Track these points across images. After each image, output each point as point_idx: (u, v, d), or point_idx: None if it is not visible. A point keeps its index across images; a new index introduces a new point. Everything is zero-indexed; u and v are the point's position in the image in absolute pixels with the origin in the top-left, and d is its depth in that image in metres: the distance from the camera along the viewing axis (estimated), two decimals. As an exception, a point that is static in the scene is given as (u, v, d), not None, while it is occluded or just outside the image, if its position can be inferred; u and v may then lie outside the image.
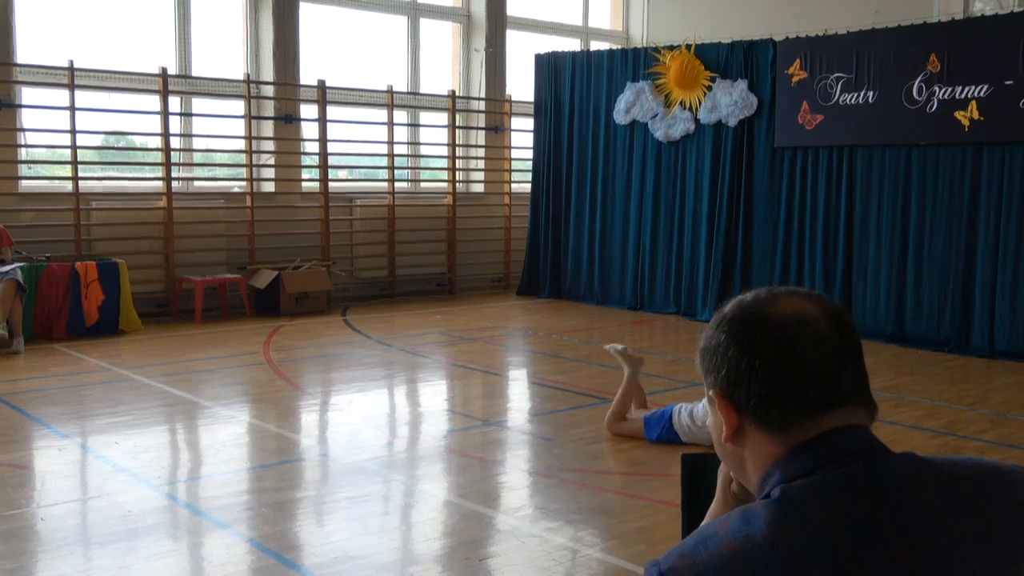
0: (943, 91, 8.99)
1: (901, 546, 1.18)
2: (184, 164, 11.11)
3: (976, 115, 8.80)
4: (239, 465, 5.48)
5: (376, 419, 6.65)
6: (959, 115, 8.89)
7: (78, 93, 9.74)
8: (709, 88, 10.75)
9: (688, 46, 10.92)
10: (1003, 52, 8.59)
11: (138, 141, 11.27)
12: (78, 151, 9.83)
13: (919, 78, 9.13)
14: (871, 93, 9.47)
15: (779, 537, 1.17)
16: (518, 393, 7.82)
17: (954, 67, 8.91)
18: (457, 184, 12.73)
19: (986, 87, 8.72)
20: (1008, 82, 8.57)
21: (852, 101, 9.61)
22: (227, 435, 6.06)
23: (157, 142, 10.43)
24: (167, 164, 10.26)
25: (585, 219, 12.08)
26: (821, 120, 9.84)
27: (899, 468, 1.24)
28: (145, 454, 5.54)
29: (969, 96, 8.83)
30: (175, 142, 10.63)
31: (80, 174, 9.88)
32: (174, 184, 10.49)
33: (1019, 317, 8.67)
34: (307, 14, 11.50)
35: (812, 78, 9.89)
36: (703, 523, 1.29)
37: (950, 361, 8.64)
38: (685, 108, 10.98)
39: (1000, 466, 1.32)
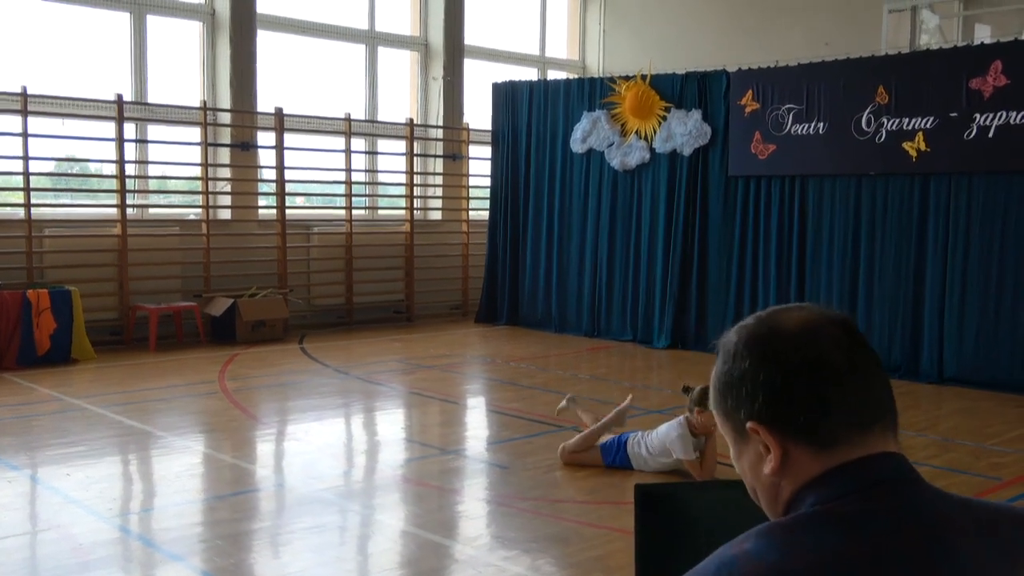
0: (891, 122, 9.20)
1: None
2: (139, 191, 11.03)
3: (923, 146, 9.01)
4: (193, 496, 5.43)
5: (333, 448, 6.62)
6: (907, 146, 9.10)
7: (31, 119, 9.64)
8: (664, 118, 10.90)
9: (643, 76, 11.07)
10: (948, 85, 8.81)
11: (92, 168, 11.17)
12: (31, 178, 9.71)
13: (868, 109, 9.34)
14: (821, 124, 9.66)
15: (813, 569, 1.14)
16: (475, 421, 7.83)
17: (901, 99, 9.12)
18: (415, 212, 12.76)
19: (932, 119, 8.94)
20: (953, 114, 8.79)
21: (803, 132, 9.80)
22: (181, 465, 5.99)
23: (112, 169, 10.35)
24: (122, 191, 10.17)
25: (542, 246, 12.16)
26: (773, 150, 10.02)
27: (937, 506, 1.24)
28: (97, 485, 5.47)
29: (916, 127, 9.05)
30: (130, 169, 10.54)
31: (33, 201, 9.77)
32: (129, 211, 10.40)
33: (966, 343, 8.86)
34: (265, 42, 11.51)
35: (764, 109, 10.07)
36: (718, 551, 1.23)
37: (900, 387, 8.75)
38: (640, 137, 11.12)
39: None
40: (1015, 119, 8.46)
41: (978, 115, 8.65)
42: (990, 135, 8.59)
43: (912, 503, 1.22)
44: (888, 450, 1.26)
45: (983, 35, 10.94)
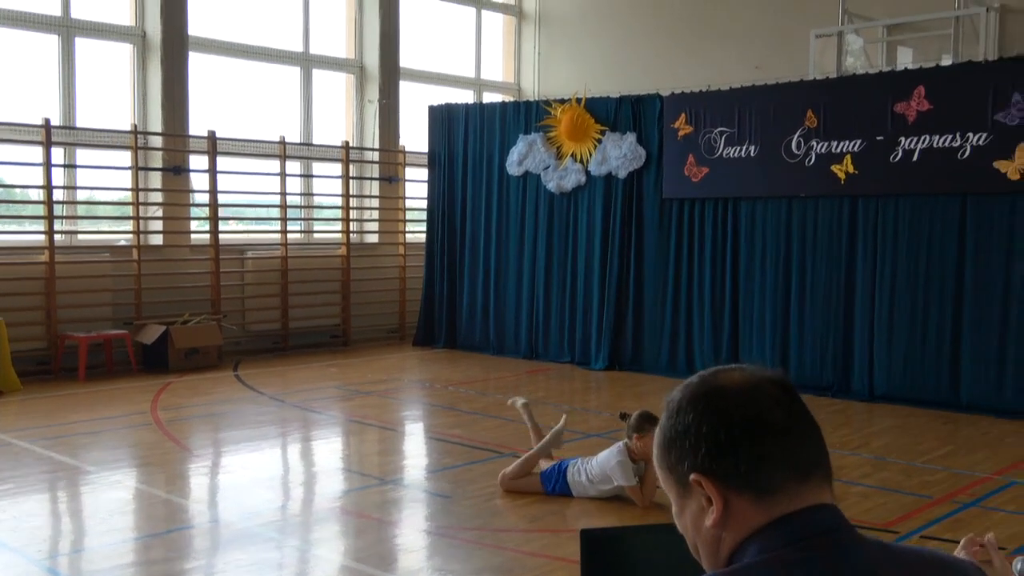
0: (820, 145, 9.41)
1: None
2: (68, 217, 10.78)
3: (851, 169, 9.22)
4: (125, 535, 5.29)
5: (269, 480, 6.52)
6: (835, 168, 9.31)
7: (-47, 144, 9.39)
8: (599, 141, 11.00)
9: (578, 100, 11.16)
10: (874, 109, 9.05)
11: (18, 193, 10.90)
12: (-47, 204, 9.44)
13: (797, 133, 9.54)
14: (753, 147, 9.84)
15: None
16: (415, 449, 7.78)
17: (829, 123, 9.34)
18: (351, 235, 12.67)
19: (860, 142, 9.16)
20: (879, 138, 9.02)
21: (735, 155, 9.96)
22: (113, 502, 5.85)
23: (39, 194, 10.10)
24: (49, 217, 9.93)
25: (479, 269, 12.16)
26: (706, 172, 10.17)
27: (871, 556, 1.30)
28: (25, 525, 5.31)
29: (844, 151, 9.26)
30: (58, 194, 10.30)
31: (-45, 228, 9.50)
32: (57, 237, 10.15)
33: (895, 361, 9.06)
34: (197, 64, 11.35)
35: (697, 132, 10.22)
36: None
37: (833, 406, 8.94)
38: (576, 160, 11.20)
39: (954, 561, 1.42)
40: (937, 143, 8.71)
41: (903, 139, 8.89)
42: (914, 158, 8.83)
43: (851, 553, 1.28)
44: (825, 502, 1.32)
45: (906, 59, 11.23)
